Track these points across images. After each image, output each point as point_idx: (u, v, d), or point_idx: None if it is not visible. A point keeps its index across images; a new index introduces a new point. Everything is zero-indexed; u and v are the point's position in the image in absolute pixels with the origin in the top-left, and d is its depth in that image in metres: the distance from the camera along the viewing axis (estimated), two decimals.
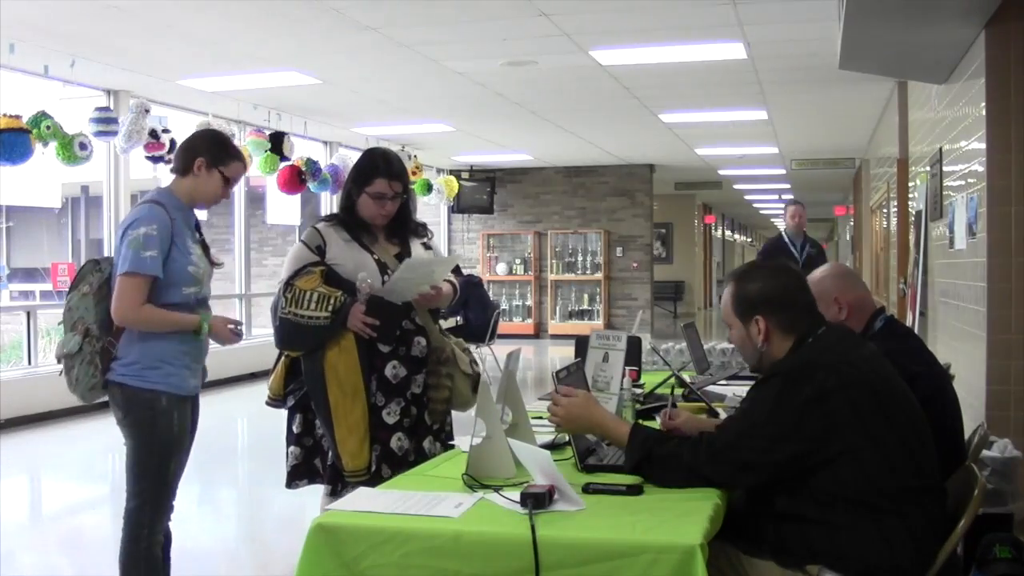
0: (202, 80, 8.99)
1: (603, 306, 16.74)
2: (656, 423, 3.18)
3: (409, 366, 3.31)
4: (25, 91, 8.07)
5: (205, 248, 3.25)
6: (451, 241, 17.45)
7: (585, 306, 16.93)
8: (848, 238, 19.13)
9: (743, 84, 9.29)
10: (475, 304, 9.94)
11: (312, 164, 11.14)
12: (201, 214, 3.37)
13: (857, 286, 3.10)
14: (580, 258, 16.93)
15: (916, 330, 6.11)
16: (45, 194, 9.03)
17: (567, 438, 2.60)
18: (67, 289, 3.19)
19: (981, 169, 4.69)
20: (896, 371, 2.40)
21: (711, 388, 3.90)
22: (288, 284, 3.26)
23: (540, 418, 3.12)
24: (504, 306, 16.24)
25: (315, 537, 2.10)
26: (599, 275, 16.77)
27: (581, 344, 3.56)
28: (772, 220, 35.51)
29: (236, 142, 9.86)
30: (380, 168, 3.35)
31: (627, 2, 6.60)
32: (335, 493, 3.23)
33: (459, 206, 16.19)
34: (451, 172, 15.97)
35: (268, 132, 10.53)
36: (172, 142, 8.40)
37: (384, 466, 3.21)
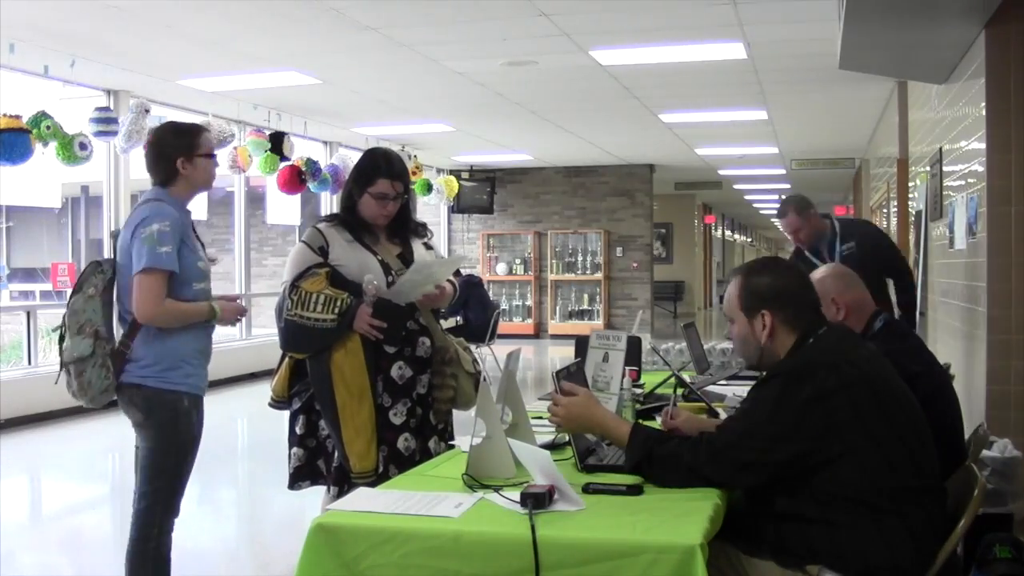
0: (202, 80, 8.99)
1: (603, 306, 16.74)
2: (657, 423, 3.18)
3: (414, 367, 3.31)
4: (25, 91, 8.07)
5: (201, 246, 3.26)
6: (451, 241, 17.45)
7: (585, 306, 16.93)
8: None
9: (743, 84, 9.29)
10: (475, 304, 9.96)
11: (312, 164, 11.14)
12: (201, 214, 3.38)
13: (855, 287, 3.10)
14: (580, 258, 16.94)
15: (916, 330, 6.11)
16: (45, 194, 9.03)
17: (567, 438, 2.60)
18: (69, 292, 3.18)
19: (981, 169, 4.69)
20: (896, 371, 2.40)
21: (711, 388, 3.90)
22: (294, 286, 3.26)
23: (540, 418, 3.12)
24: (504, 306, 16.24)
25: (315, 537, 2.10)
26: (599, 275, 16.77)
27: (581, 344, 3.56)
28: (772, 220, 35.55)
29: (236, 142, 9.94)
30: (382, 168, 3.35)
31: (627, 2, 6.60)
32: (342, 494, 3.22)
33: (459, 206, 16.19)
34: (451, 172, 15.97)
35: (268, 132, 10.53)
36: None
37: (391, 467, 3.22)
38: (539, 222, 17.16)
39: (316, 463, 3.39)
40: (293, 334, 3.27)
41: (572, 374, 2.73)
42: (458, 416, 3.45)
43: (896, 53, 5.76)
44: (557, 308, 17.01)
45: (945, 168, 5.78)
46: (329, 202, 12.58)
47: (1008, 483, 3.47)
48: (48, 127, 7.45)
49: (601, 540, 1.98)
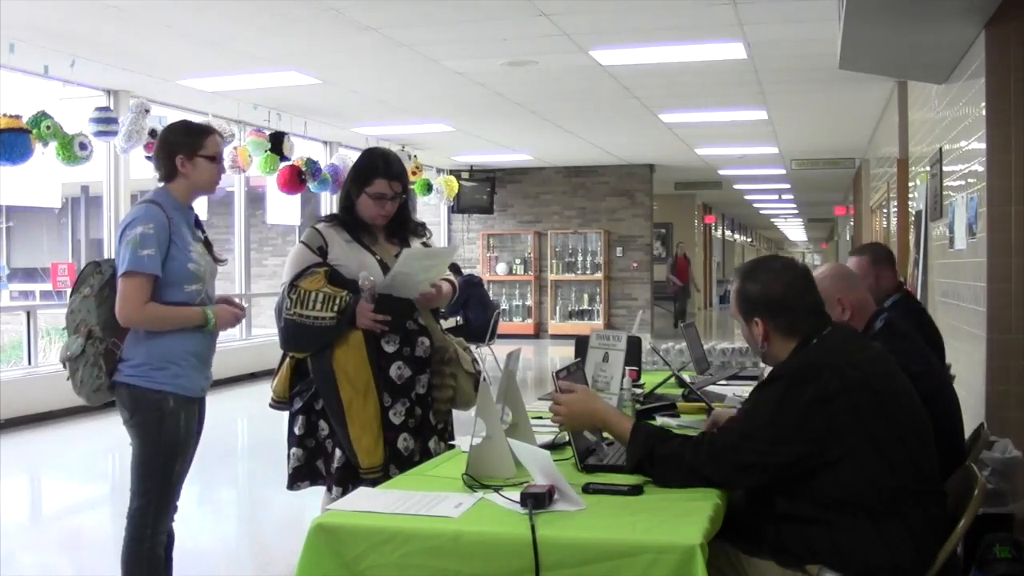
0: (202, 80, 9.00)
1: (603, 306, 16.74)
2: (657, 423, 3.19)
3: (413, 366, 3.31)
4: (25, 91, 8.07)
5: (208, 246, 3.25)
6: (451, 241, 17.46)
7: (585, 306, 16.93)
8: (848, 238, 19.12)
9: (743, 84, 9.29)
10: (475, 304, 9.95)
11: (312, 164, 11.14)
12: (201, 214, 3.37)
13: (858, 286, 3.10)
14: (580, 258, 16.94)
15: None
16: (45, 194, 9.03)
17: (567, 438, 2.60)
18: (69, 291, 3.19)
19: (981, 169, 4.68)
20: (900, 371, 2.39)
21: (711, 388, 3.90)
22: (292, 285, 3.26)
23: (540, 418, 3.12)
24: (504, 306, 16.24)
25: (315, 537, 2.10)
26: (599, 275, 16.77)
27: (581, 344, 3.56)
28: (772, 220, 35.57)
29: (236, 142, 9.95)
30: (380, 168, 3.35)
31: (627, 2, 6.60)
32: (347, 493, 3.21)
33: (459, 206, 16.19)
34: (451, 172, 15.97)
35: (268, 132, 10.54)
36: None
37: (392, 466, 3.21)
38: (539, 222, 17.16)
39: (315, 464, 3.38)
40: (293, 333, 3.27)
41: (572, 374, 2.73)
42: (458, 416, 3.45)
43: (896, 53, 5.76)
44: (557, 308, 17.02)
45: (945, 168, 5.78)
46: (329, 202, 12.59)
47: (1008, 483, 3.48)
48: (48, 127, 7.45)
49: (601, 540, 1.98)
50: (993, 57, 4.56)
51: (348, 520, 2.14)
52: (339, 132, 12.61)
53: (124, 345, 3.07)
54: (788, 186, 20.78)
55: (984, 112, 4.60)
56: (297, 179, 10.89)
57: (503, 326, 12.72)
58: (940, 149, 5.95)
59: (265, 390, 3.50)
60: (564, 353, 13.41)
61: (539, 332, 16.90)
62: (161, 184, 3.18)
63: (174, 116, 9.34)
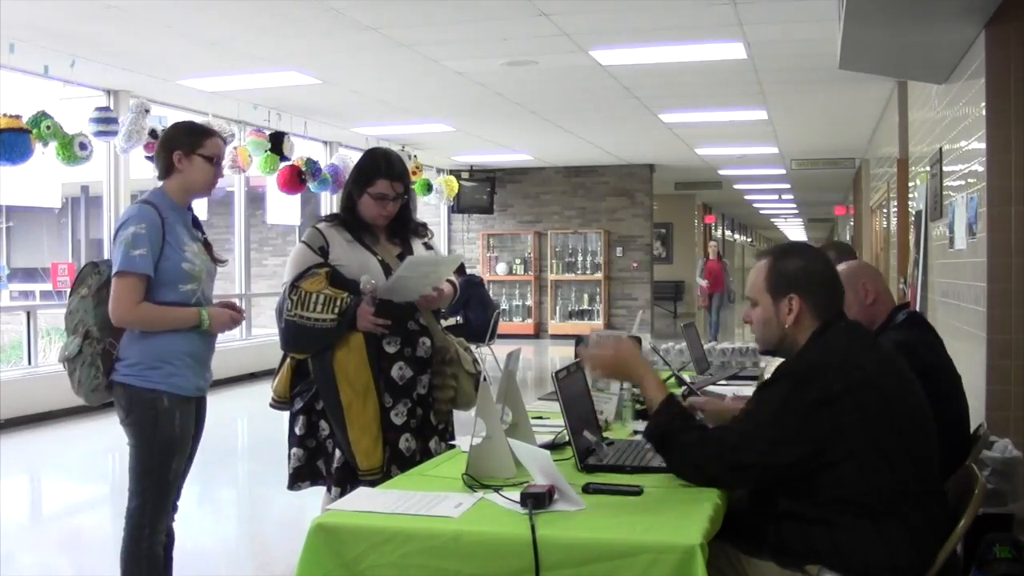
0: (202, 80, 8.99)
1: (603, 306, 16.74)
2: None
3: (415, 367, 3.31)
4: (25, 91, 8.07)
5: (208, 246, 3.25)
6: (451, 241, 17.46)
7: (585, 306, 16.93)
8: (848, 238, 19.13)
9: (743, 84, 9.29)
10: (475, 304, 9.95)
11: (312, 164, 11.14)
12: (200, 214, 3.37)
13: (882, 280, 3.19)
14: (580, 258, 16.94)
15: None
16: (45, 194, 9.03)
17: (567, 438, 2.60)
18: (68, 291, 3.20)
19: (981, 169, 4.68)
20: (911, 362, 2.38)
21: (711, 388, 3.90)
22: (293, 286, 3.26)
23: (540, 418, 3.12)
24: (504, 306, 16.24)
25: (315, 537, 2.10)
26: (599, 275, 16.77)
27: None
28: (772, 220, 35.58)
29: (236, 142, 9.94)
30: (382, 169, 3.35)
31: (627, 2, 6.60)
32: (344, 494, 3.21)
33: (459, 206, 16.19)
34: (451, 172, 15.97)
35: (268, 132, 10.53)
36: None
37: (393, 467, 3.22)
38: (539, 222, 17.16)
39: (316, 464, 3.39)
40: (293, 334, 3.27)
41: (572, 374, 2.73)
42: (458, 416, 3.45)
43: (896, 53, 5.76)
44: (557, 308, 17.02)
45: (945, 168, 5.78)
46: (329, 202, 12.59)
47: (1008, 483, 3.48)
48: (48, 127, 7.45)
49: (601, 540, 1.98)
50: (993, 57, 4.56)
51: (348, 520, 2.14)
52: (339, 132, 12.61)
53: (120, 345, 3.08)
54: (788, 186, 20.78)
55: (984, 112, 4.60)
56: (297, 179, 10.89)
57: (503, 326, 12.72)
58: (940, 149, 5.95)
59: (265, 390, 3.50)
60: (564, 353, 13.41)
61: (539, 332, 16.90)
62: (159, 184, 3.18)
63: (174, 116, 9.37)
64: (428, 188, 14.43)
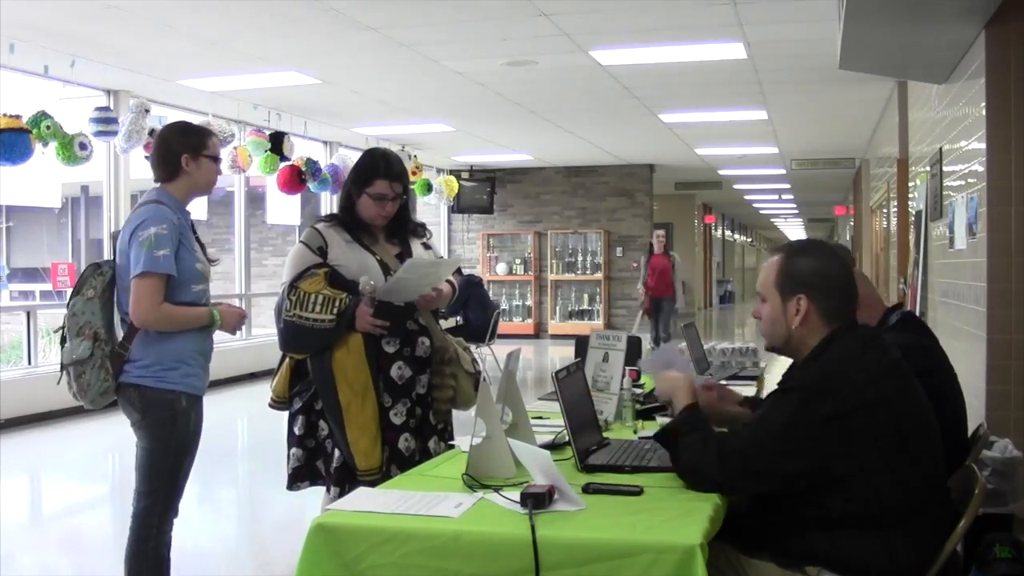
0: (202, 80, 8.99)
1: (603, 306, 16.74)
2: (657, 423, 3.19)
3: (414, 367, 3.31)
4: (25, 91, 8.07)
5: (202, 247, 3.26)
6: (451, 241, 17.46)
7: (585, 306, 16.93)
8: (848, 238, 19.13)
9: (743, 84, 9.29)
10: (475, 304, 9.95)
11: (312, 164, 11.14)
12: (200, 214, 3.38)
13: (867, 284, 3.15)
14: (580, 258, 16.94)
15: None
16: (45, 194, 9.04)
17: (567, 438, 2.60)
18: (69, 294, 3.18)
19: (981, 169, 4.68)
20: (915, 381, 2.34)
21: None
22: (292, 286, 3.26)
23: (540, 418, 3.12)
24: (504, 306, 16.24)
25: (315, 537, 2.10)
26: (599, 275, 16.77)
27: (581, 344, 3.56)
28: (772, 220, 35.58)
29: (236, 142, 9.95)
30: (380, 169, 3.35)
31: (627, 2, 6.60)
32: (343, 494, 3.21)
33: (459, 206, 16.19)
34: (451, 172, 15.97)
35: (268, 132, 10.54)
36: None
37: (393, 467, 3.22)
38: (539, 222, 17.16)
39: (315, 464, 3.38)
40: (292, 335, 3.27)
41: (572, 374, 2.73)
42: (458, 416, 3.45)
43: (896, 53, 5.76)
44: (557, 308, 17.02)
45: (945, 168, 5.78)
46: (329, 202, 12.59)
47: (1008, 483, 3.47)
48: (48, 127, 7.45)
49: (601, 540, 1.98)
50: (993, 57, 4.56)
51: (348, 520, 2.14)
52: (339, 132, 12.61)
53: (132, 346, 3.07)
54: (788, 186, 20.78)
55: (984, 112, 4.60)
56: (297, 179, 10.89)
57: (503, 326, 12.71)
58: (940, 149, 5.95)
59: (265, 390, 3.51)
60: (564, 353, 13.41)
61: (539, 332, 16.90)
62: (158, 185, 3.18)
63: (174, 116, 9.36)
64: (428, 188, 14.43)
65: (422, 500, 2.22)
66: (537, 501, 2.11)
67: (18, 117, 7.21)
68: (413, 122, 11.80)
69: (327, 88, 9.49)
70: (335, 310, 3.19)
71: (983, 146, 4.62)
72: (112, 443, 7.42)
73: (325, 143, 13.19)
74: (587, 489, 2.29)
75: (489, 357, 10.10)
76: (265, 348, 10.64)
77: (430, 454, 3.28)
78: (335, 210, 3.57)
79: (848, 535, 2.17)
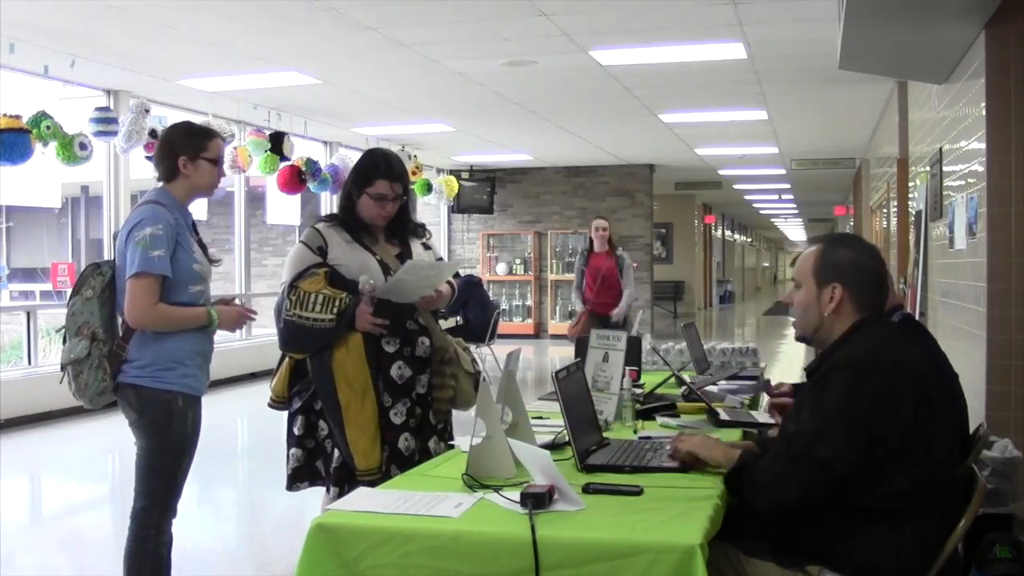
0: (202, 80, 8.99)
1: None
2: (656, 423, 3.19)
3: (414, 366, 3.31)
4: (25, 91, 8.07)
5: (203, 247, 3.26)
6: (451, 241, 17.45)
7: None
8: None
9: (743, 84, 9.29)
10: (475, 304, 9.95)
11: (312, 164, 11.14)
12: (200, 214, 3.38)
13: None
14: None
15: None
16: (45, 194, 9.04)
17: (567, 438, 2.60)
18: (69, 294, 3.18)
19: (981, 169, 4.68)
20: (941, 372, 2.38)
21: (711, 388, 3.90)
22: (292, 286, 3.26)
23: (540, 418, 3.12)
24: (504, 306, 16.23)
25: (315, 537, 2.10)
26: None
27: (581, 344, 3.56)
28: (772, 220, 35.58)
29: (236, 142, 9.94)
30: (381, 169, 3.35)
31: (627, 2, 6.60)
32: (343, 494, 3.21)
33: (459, 206, 16.19)
34: (451, 172, 15.97)
35: (268, 132, 10.53)
36: None
37: (393, 467, 3.22)
38: (539, 222, 17.16)
39: (315, 464, 3.39)
40: (292, 334, 3.27)
41: (572, 374, 2.73)
42: (458, 416, 3.45)
43: (896, 53, 5.76)
44: (557, 308, 17.01)
45: (945, 168, 5.78)
46: (329, 202, 12.59)
47: (1008, 483, 3.48)
48: (48, 127, 7.45)
49: (601, 540, 1.98)
50: (993, 57, 4.56)
51: (348, 520, 2.14)
52: (339, 132, 12.61)
53: (129, 346, 3.07)
54: (788, 186, 20.78)
55: (984, 112, 4.60)
56: (297, 179, 10.89)
57: (503, 326, 12.72)
58: (940, 149, 5.95)
59: (265, 390, 3.51)
60: (564, 353, 13.41)
61: (539, 332, 16.90)
62: (160, 184, 3.18)
63: (174, 116, 9.37)
64: (428, 188, 14.43)
65: (422, 500, 2.22)
66: (537, 501, 2.11)
67: (18, 117, 7.21)
68: (413, 122, 11.80)
69: (327, 88, 9.49)
70: (335, 310, 3.19)
71: (983, 146, 4.62)
72: (112, 443, 7.41)
73: (325, 143, 13.19)
74: (587, 489, 2.29)
75: (489, 357, 10.11)
76: (265, 348, 10.64)
77: (430, 454, 3.28)
78: (335, 210, 3.57)
79: (860, 535, 2.17)
